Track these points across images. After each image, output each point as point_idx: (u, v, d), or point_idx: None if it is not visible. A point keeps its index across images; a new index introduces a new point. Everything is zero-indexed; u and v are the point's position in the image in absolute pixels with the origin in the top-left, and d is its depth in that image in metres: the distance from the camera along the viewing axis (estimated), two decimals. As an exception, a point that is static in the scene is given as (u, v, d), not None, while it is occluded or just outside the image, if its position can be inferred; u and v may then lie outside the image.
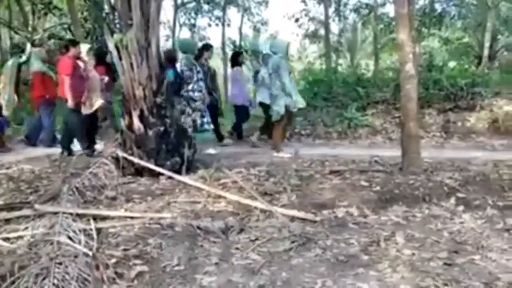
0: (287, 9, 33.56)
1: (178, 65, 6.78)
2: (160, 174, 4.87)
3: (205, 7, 21.12)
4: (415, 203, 3.92)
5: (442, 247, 2.94)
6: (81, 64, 6.68)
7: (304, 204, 3.94)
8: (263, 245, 3.07)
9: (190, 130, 6.42)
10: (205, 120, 6.72)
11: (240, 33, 20.06)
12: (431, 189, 4.19)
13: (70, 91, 6.32)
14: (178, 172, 5.00)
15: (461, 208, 3.75)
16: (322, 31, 19.22)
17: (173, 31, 21.60)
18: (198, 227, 3.34)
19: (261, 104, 7.25)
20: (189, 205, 3.98)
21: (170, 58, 6.79)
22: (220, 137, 7.76)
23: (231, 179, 4.60)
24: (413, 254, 2.84)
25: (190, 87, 6.61)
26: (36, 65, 7.72)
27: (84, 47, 6.91)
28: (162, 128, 5.15)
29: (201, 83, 6.71)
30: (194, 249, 3.03)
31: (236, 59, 8.42)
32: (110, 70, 7.45)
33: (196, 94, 6.65)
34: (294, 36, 29.23)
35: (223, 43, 19.62)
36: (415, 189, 4.20)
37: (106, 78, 7.36)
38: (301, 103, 6.73)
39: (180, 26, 22.36)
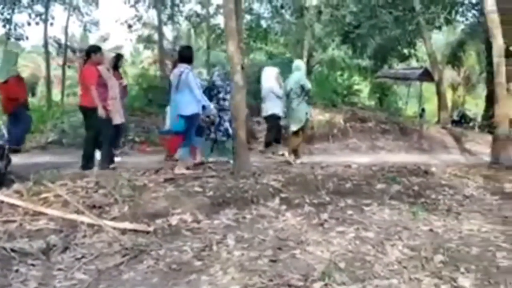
0: (118, 12, 32.03)
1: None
2: (-38, 191, 4.13)
3: (24, 1, 18.74)
4: (245, 205, 4.16)
5: (268, 245, 3.18)
6: (103, 70, 6.04)
7: (137, 215, 3.81)
8: (91, 262, 2.87)
9: (224, 138, 6.67)
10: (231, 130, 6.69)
11: (66, 33, 18.40)
12: (259, 191, 4.50)
13: (100, 100, 5.76)
14: (-13, 187, 4.32)
15: (284, 207, 4.13)
16: (156, 36, 18.96)
17: (-17, 25, 18.62)
18: (13, 250, 2.95)
19: (270, 116, 7.64)
20: (1, 225, 3.47)
21: None
22: None
23: (53, 192, 4.16)
24: (243, 254, 3.00)
25: (221, 96, 6.69)
26: None
27: (108, 54, 6.56)
28: (-36, 137, 4.38)
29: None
30: (7, 275, 2.67)
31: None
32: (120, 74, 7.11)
33: (227, 103, 6.67)
34: (127, 41, 28.02)
35: (46, 42, 17.66)
36: (245, 192, 4.45)
37: (124, 83, 6.97)
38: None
39: (-8, 20, 19.38)
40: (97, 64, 5.99)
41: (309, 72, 19.03)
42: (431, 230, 3.60)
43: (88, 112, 5.89)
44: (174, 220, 3.69)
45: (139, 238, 3.27)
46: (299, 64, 7.31)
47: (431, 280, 2.63)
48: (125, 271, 2.74)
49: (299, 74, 7.01)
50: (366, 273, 2.71)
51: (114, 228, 3.39)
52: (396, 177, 5.44)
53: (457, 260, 2.92)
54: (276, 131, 7.83)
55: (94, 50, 6.11)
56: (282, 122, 7.65)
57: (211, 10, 17.43)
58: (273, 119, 7.65)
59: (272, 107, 7.59)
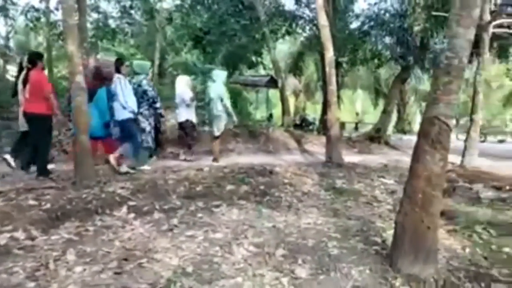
0: None
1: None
2: None
3: None
4: (88, 216, 3.89)
5: (113, 257, 3.01)
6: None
7: (-46, 236, 3.25)
8: None
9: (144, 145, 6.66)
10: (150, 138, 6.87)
11: None
12: (104, 201, 4.26)
13: (56, 106, 5.84)
14: None
15: (132, 215, 3.97)
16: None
17: None
18: None
19: (184, 122, 7.94)
20: None
21: None
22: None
23: None
24: (84, 269, 2.79)
25: (158, 105, 6.85)
26: None
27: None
28: None
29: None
30: None
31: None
32: None
33: (152, 111, 6.84)
34: None
35: None
36: (88, 203, 4.16)
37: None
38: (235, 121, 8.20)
39: None
40: (42, 70, 6.09)
41: (162, 74, 18.80)
42: (274, 226, 3.85)
43: (38, 118, 5.77)
44: (2, 239, 3.25)
45: (-45, 265, 2.80)
46: (219, 75, 7.81)
47: (272, 274, 2.81)
48: None
49: (215, 85, 7.60)
50: (213, 275, 2.77)
51: None
52: (244, 178, 5.71)
53: (295, 253, 3.18)
54: (188, 136, 8.15)
55: (39, 57, 6.10)
56: (205, 128, 8.49)
57: (52, 4, 15.94)
58: (186, 125, 7.99)
59: (185, 113, 7.92)
